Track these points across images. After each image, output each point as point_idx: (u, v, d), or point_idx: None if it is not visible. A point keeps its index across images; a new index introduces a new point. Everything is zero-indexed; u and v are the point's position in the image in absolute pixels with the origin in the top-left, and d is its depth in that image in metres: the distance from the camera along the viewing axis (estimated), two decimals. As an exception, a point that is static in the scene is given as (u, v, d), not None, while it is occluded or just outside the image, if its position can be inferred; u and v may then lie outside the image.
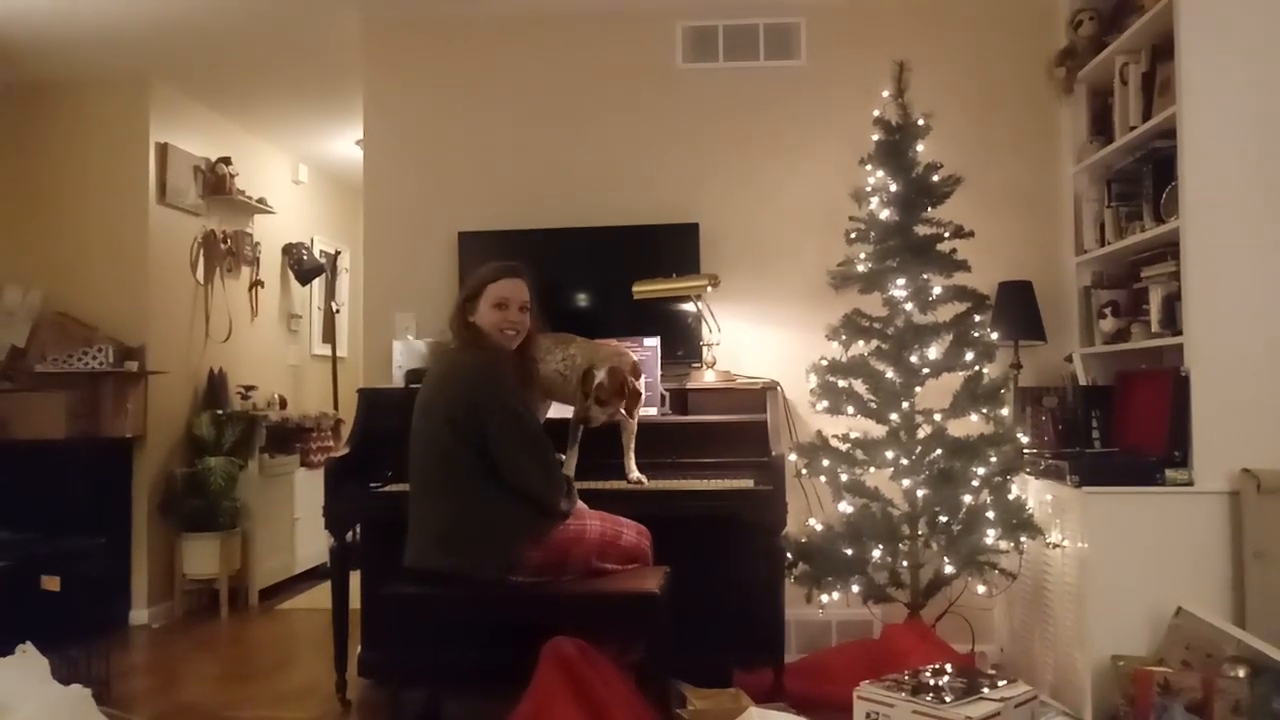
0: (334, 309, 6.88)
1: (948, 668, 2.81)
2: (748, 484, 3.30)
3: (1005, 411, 3.46)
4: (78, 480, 4.57)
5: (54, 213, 5.00)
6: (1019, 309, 3.82)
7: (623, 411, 3.21)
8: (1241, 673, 2.67)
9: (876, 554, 3.40)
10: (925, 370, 3.46)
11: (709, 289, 3.79)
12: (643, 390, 3.29)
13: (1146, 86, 3.39)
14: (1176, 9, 3.11)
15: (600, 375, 3.14)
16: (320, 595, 5.19)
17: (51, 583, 3.55)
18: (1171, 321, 3.22)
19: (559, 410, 3.43)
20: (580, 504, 3.03)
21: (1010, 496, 3.36)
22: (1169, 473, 3.04)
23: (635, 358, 3.34)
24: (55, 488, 4.47)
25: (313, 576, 5.81)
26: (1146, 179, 3.40)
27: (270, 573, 5.49)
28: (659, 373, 3.65)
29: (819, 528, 3.48)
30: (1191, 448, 3.04)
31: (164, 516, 5.02)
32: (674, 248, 3.97)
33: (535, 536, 2.86)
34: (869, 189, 3.57)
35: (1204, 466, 3.02)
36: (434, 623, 2.95)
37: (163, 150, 5.08)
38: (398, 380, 3.78)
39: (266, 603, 5.35)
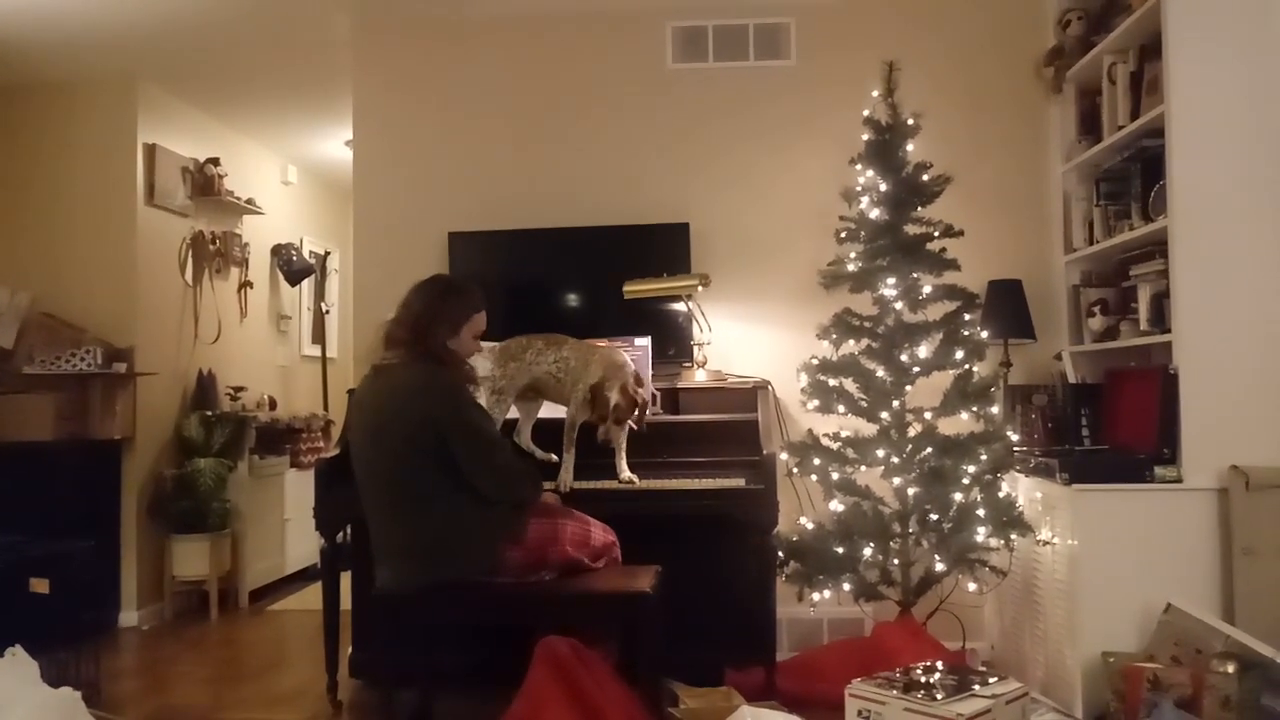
0: (323, 310, 6.87)
1: (939, 665, 2.81)
2: (739, 483, 3.30)
3: (995, 410, 3.48)
4: (66, 482, 4.55)
5: (42, 214, 4.97)
6: (1008, 307, 3.83)
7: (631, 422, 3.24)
8: (1230, 668, 2.68)
9: (867, 552, 3.41)
10: (915, 369, 3.47)
11: (700, 288, 3.79)
12: (648, 397, 3.30)
13: (1134, 86, 3.41)
14: (1164, 8, 3.13)
15: (615, 397, 3.13)
16: (311, 596, 5.16)
17: (40, 585, 3.53)
18: (1160, 319, 3.24)
19: (551, 410, 3.43)
20: (547, 499, 3.04)
21: (1000, 494, 3.37)
22: (1158, 470, 3.06)
23: (630, 360, 3.34)
24: (44, 490, 4.45)
25: (303, 578, 5.79)
26: (1135, 178, 3.42)
27: (260, 574, 5.48)
28: (650, 372, 3.66)
29: (810, 526, 3.49)
30: (1180, 445, 3.05)
31: (153, 518, 5.00)
32: (665, 247, 3.97)
33: (513, 537, 2.86)
34: (859, 188, 3.58)
35: (1193, 463, 3.04)
36: (425, 624, 2.94)
37: (151, 151, 5.05)
38: (388, 381, 3.76)
39: (257, 604, 5.33)
